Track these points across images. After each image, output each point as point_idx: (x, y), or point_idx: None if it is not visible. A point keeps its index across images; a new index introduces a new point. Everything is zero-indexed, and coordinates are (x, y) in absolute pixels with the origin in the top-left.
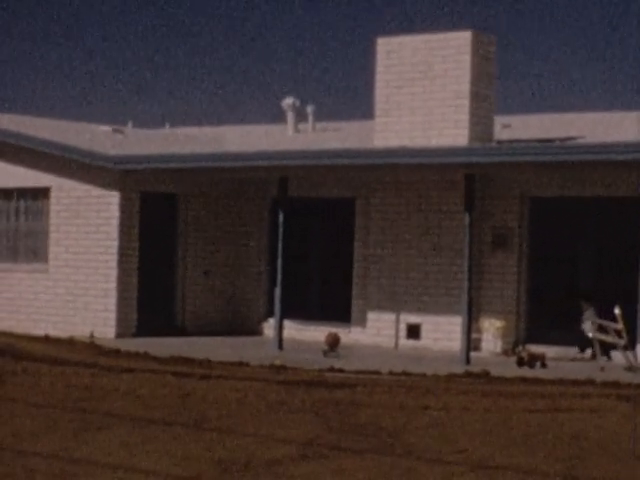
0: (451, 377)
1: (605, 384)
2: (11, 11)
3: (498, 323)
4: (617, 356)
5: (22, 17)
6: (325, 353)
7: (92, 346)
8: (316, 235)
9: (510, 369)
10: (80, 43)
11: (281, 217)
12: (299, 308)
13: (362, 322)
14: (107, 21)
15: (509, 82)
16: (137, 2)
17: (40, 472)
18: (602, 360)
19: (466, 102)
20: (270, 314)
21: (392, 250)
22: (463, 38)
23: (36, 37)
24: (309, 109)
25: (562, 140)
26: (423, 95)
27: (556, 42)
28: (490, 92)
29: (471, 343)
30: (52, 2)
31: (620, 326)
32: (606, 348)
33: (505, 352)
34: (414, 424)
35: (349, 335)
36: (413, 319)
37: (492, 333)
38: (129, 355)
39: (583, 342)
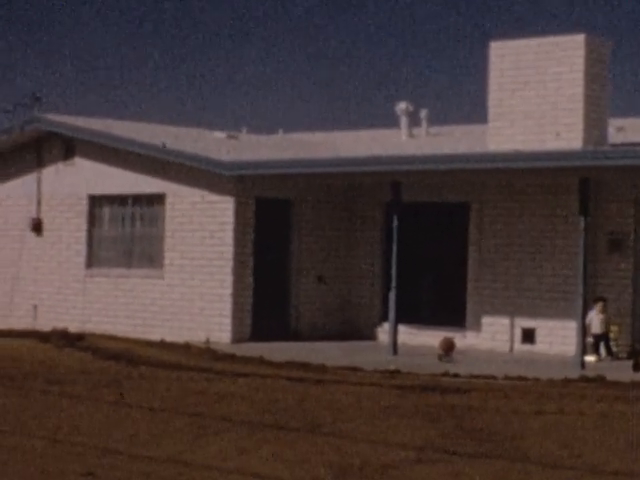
0: (566, 382)
1: None
2: (125, 19)
3: (614, 327)
4: None
5: (138, 25)
6: (440, 358)
7: (207, 351)
8: (430, 239)
9: (626, 374)
10: (196, 51)
11: (395, 222)
12: (413, 313)
13: (477, 327)
14: (222, 28)
15: (624, 84)
16: (251, 9)
17: (156, 476)
18: None
19: (580, 105)
20: (384, 319)
21: (506, 254)
22: (576, 41)
23: (155, 45)
24: (422, 113)
25: None
26: (536, 99)
27: None
28: (604, 95)
29: (586, 347)
30: (170, 8)
31: None
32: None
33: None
34: (529, 429)
35: (464, 340)
36: (528, 323)
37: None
38: (244, 360)
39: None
